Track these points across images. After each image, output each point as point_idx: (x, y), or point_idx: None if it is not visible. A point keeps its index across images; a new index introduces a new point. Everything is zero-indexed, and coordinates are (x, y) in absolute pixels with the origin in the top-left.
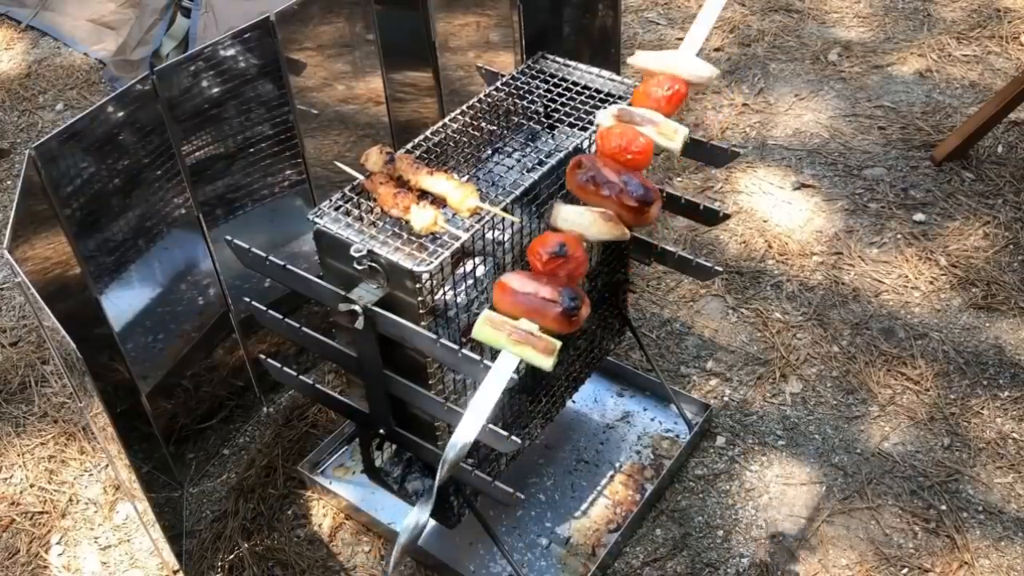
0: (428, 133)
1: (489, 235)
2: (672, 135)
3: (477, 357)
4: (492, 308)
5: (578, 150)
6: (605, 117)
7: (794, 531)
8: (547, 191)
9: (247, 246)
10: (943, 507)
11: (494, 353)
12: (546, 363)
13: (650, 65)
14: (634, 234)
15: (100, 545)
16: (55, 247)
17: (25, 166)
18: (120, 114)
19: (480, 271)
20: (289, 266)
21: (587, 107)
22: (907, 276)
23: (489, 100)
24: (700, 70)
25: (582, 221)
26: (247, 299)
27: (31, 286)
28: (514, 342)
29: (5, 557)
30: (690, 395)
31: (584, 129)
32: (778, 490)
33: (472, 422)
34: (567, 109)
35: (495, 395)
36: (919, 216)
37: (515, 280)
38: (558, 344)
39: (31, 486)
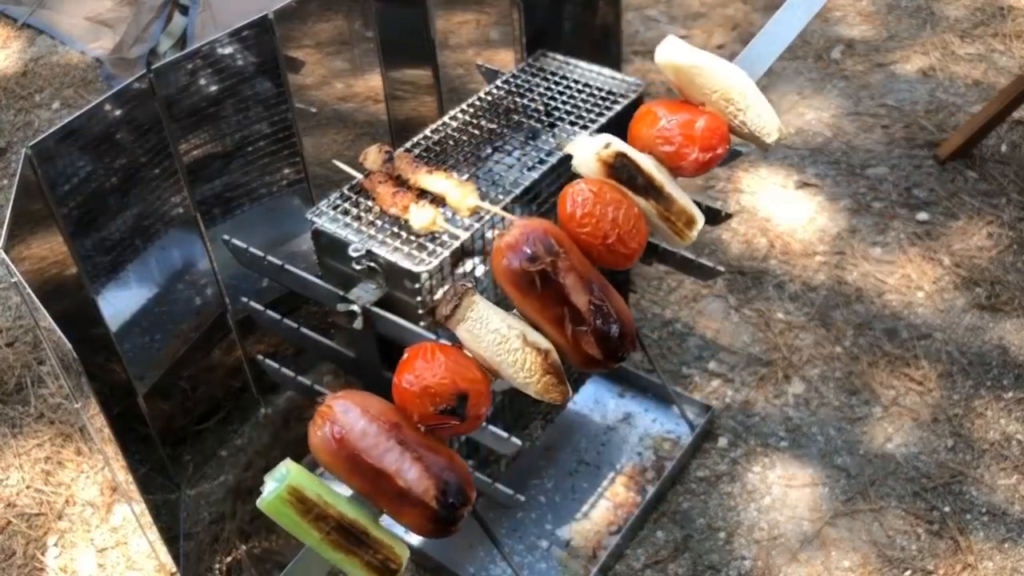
0: (427, 132)
1: (489, 234)
2: (683, 228)
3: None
4: (297, 458)
5: None
6: (586, 155)
7: (796, 533)
8: (547, 191)
9: (245, 245)
10: (946, 509)
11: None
12: None
13: (688, 78)
14: None
15: (97, 547)
16: (51, 247)
17: (21, 165)
18: (117, 112)
19: (480, 271)
20: (287, 266)
21: (588, 105)
22: (910, 276)
23: (489, 98)
24: (766, 124)
25: (505, 355)
26: (245, 299)
27: (27, 286)
28: (331, 546)
29: (1, 559)
30: (692, 396)
31: (585, 127)
32: (780, 491)
33: None
34: (568, 107)
35: None
36: (922, 215)
37: (358, 425)
38: (404, 557)
39: (27, 487)
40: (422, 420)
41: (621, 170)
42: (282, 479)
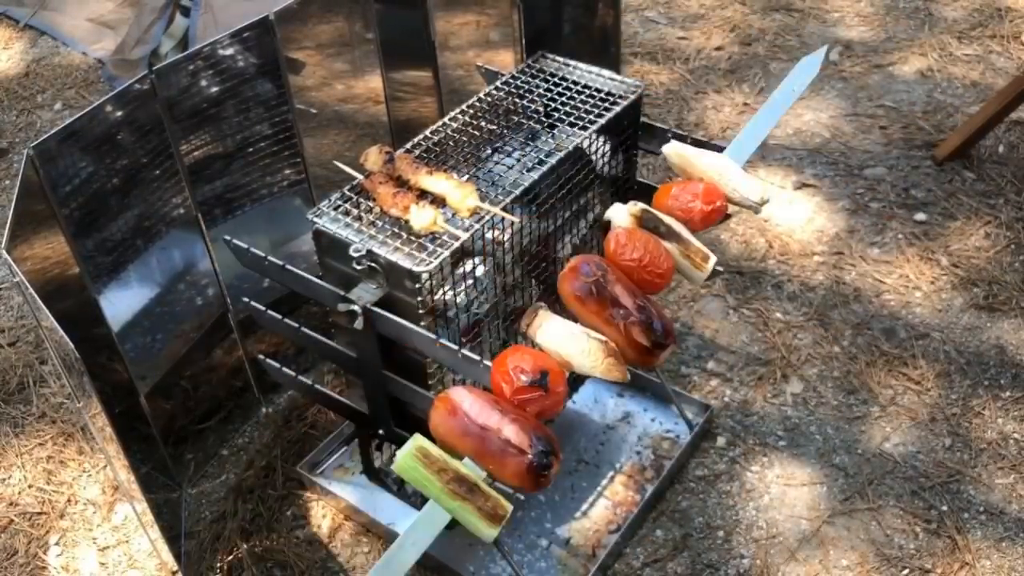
0: (427, 132)
1: (489, 235)
2: (701, 263)
3: (477, 357)
4: (426, 432)
5: (578, 150)
6: (620, 214)
7: (795, 532)
8: (547, 191)
9: (246, 246)
10: (944, 508)
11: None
12: (488, 533)
13: (689, 163)
14: None
15: (99, 546)
16: (53, 247)
17: (24, 166)
18: (119, 113)
19: (480, 271)
20: (288, 266)
21: (587, 106)
22: (908, 276)
23: (489, 99)
24: (749, 191)
25: (573, 347)
26: (246, 299)
27: (29, 286)
28: (450, 495)
29: (3, 558)
30: (691, 395)
31: (584, 128)
32: (779, 491)
33: None
34: (567, 108)
35: (412, 558)
36: (920, 216)
37: (468, 400)
38: (509, 509)
39: (29, 487)
40: (514, 394)
41: (648, 220)
42: (411, 445)
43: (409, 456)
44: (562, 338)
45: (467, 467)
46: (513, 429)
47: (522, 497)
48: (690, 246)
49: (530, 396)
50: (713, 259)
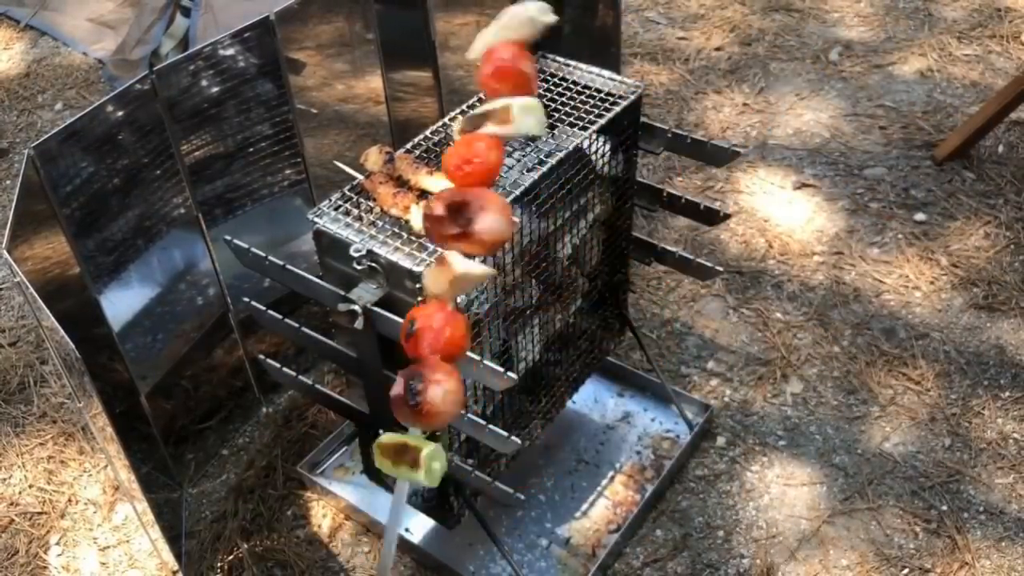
0: (428, 133)
1: None
2: (506, 115)
3: (477, 357)
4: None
5: (578, 150)
6: (455, 134)
7: (794, 531)
8: (547, 191)
9: (246, 246)
10: (944, 507)
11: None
12: (423, 479)
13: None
14: (635, 235)
15: (99, 546)
16: (54, 247)
17: (24, 166)
18: (119, 114)
19: None
20: (288, 266)
21: (587, 107)
22: (908, 276)
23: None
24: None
25: (431, 278)
26: (246, 299)
27: (30, 286)
28: (392, 465)
29: (4, 557)
30: (690, 395)
31: (584, 129)
32: (779, 490)
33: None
34: (567, 109)
35: (398, 522)
36: (920, 216)
37: (395, 384)
38: (425, 451)
39: (30, 486)
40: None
41: (468, 123)
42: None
43: (376, 454)
44: (429, 276)
45: (410, 432)
46: (399, 383)
47: (522, 497)
48: (509, 110)
49: (411, 343)
50: (528, 105)
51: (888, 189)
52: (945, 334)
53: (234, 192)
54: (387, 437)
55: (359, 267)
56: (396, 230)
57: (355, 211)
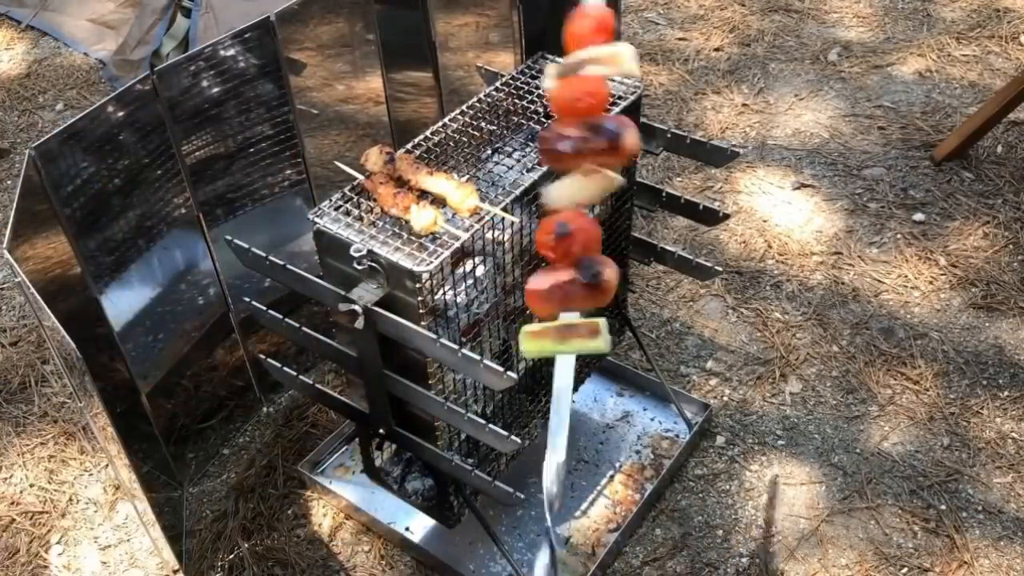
0: (428, 133)
1: (489, 235)
2: (617, 59)
3: (477, 357)
4: (527, 322)
5: None
6: (549, 81)
7: (794, 531)
8: None
9: (247, 246)
10: (942, 507)
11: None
12: (599, 345)
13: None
14: (634, 234)
15: (100, 545)
16: (55, 247)
17: (25, 166)
18: (120, 114)
19: (480, 271)
20: (289, 266)
21: None
22: (907, 276)
23: (489, 100)
24: None
25: (567, 191)
26: (247, 299)
27: (31, 286)
28: (558, 341)
29: (5, 557)
30: (690, 395)
31: None
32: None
33: (558, 442)
34: None
35: (567, 406)
36: (919, 216)
37: (537, 280)
38: (600, 321)
39: (31, 486)
40: (554, 252)
41: (565, 69)
42: (522, 335)
43: (524, 340)
44: (558, 191)
45: (564, 318)
46: (566, 273)
47: (522, 497)
48: (601, 57)
49: (564, 244)
50: (626, 51)
51: (887, 189)
52: (944, 334)
53: (235, 192)
54: (536, 325)
55: (359, 267)
56: (396, 230)
57: (355, 211)
